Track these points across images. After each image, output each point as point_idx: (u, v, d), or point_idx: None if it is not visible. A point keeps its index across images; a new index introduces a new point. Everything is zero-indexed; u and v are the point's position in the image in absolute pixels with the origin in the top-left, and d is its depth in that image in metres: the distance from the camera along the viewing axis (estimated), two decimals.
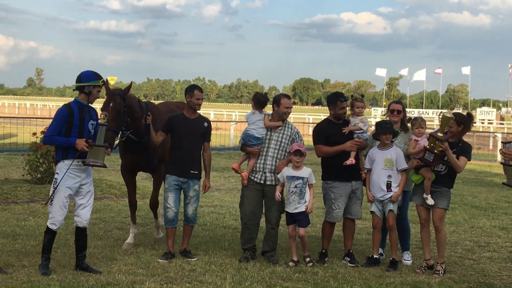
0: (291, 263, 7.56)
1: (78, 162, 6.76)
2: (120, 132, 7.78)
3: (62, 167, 6.76)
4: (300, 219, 7.68)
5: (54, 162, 8.07)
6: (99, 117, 6.98)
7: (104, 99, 7.61)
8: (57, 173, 6.81)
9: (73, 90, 7.14)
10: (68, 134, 6.73)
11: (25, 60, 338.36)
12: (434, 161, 7.32)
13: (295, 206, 7.64)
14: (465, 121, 7.48)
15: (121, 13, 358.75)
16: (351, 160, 7.67)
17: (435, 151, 7.23)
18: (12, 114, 44.71)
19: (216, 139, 26.35)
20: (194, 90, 7.88)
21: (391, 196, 7.63)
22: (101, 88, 6.99)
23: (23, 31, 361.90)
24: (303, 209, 7.62)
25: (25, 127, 23.20)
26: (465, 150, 7.48)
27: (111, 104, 7.50)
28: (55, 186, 6.75)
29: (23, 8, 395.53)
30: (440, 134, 7.27)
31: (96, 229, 9.26)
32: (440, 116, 7.63)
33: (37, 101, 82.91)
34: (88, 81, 6.86)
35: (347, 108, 7.93)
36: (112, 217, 10.19)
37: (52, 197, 6.78)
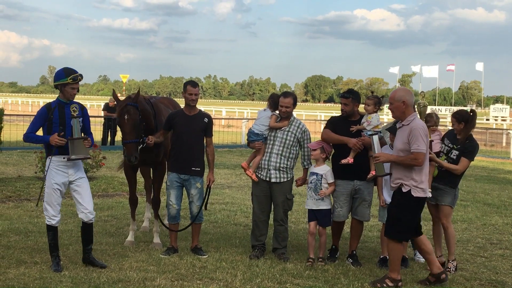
0: (308, 263, 7.46)
1: (63, 158, 6.82)
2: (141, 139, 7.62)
3: (49, 164, 6.85)
4: (321, 217, 7.67)
5: None
6: (71, 111, 6.85)
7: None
8: (46, 170, 6.90)
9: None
10: (49, 132, 6.80)
11: (38, 58, 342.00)
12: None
13: (313, 202, 7.66)
14: (466, 118, 7.39)
15: (134, 11, 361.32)
16: (347, 160, 7.51)
17: None
18: (25, 112, 44.97)
19: (227, 137, 26.39)
20: (186, 86, 7.80)
21: None
22: (74, 85, 6.82)
23: (36, 29, 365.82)
24: (323, 207, 7.63)
25: None
26: (467, 150, 7.39)
27: (126, 117, 7.42)
28: (44, 182, 6.87)
29: (36, 6, 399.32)
30: None
31: (108, 226, 9.32)
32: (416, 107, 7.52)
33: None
34: (58, 80, 6.85)
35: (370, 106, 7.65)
36: (124, 214, 10.24)
37: (43, 194, 6.89)
